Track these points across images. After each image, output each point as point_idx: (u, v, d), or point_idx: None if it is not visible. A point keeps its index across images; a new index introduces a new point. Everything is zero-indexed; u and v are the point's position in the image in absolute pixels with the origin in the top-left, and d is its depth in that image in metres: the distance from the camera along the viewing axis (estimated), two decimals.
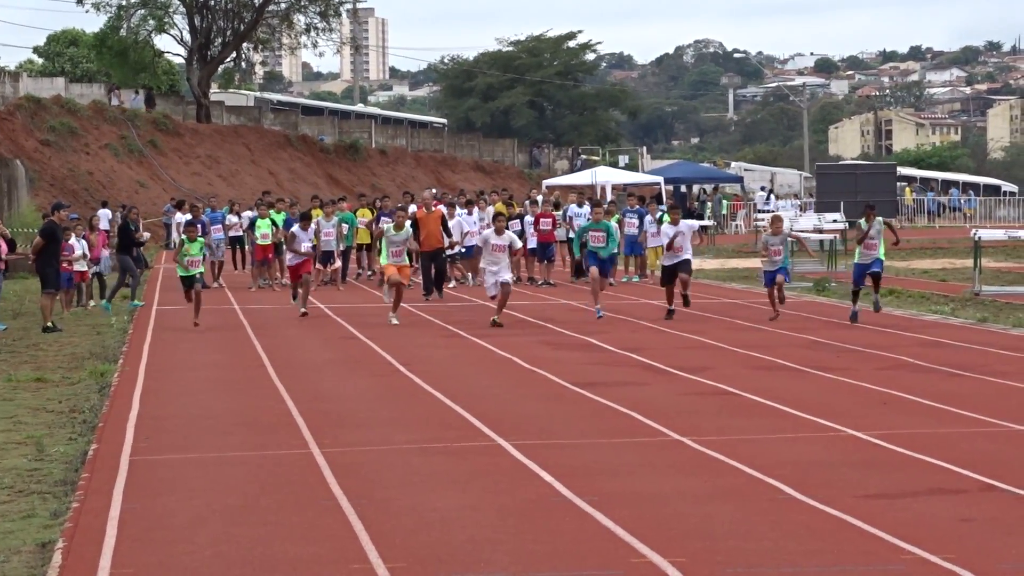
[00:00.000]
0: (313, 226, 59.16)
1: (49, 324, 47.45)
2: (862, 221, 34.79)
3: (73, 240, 53.70)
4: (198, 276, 38.76)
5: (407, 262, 40.98)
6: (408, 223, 40.97)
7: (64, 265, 51.61)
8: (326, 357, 37.99)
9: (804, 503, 20.66)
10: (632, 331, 45.26)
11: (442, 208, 67.36)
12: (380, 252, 39.99)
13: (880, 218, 35.63)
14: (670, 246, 42.87)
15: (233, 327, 50.36)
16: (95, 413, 29.97)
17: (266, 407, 31.51)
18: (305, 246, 51.46)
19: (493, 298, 41.22)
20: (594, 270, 42.84)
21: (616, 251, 45.06)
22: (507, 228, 42.80)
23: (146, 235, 68.52)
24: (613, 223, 45.47)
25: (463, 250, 69.20)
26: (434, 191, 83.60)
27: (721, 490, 22.23)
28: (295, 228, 54.44)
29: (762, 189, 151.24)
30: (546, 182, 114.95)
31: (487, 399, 32.77)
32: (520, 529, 19.64)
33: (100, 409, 30.46)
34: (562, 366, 36.31)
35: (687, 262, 45.96)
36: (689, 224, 47.08)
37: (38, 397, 32.56)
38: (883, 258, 35.58)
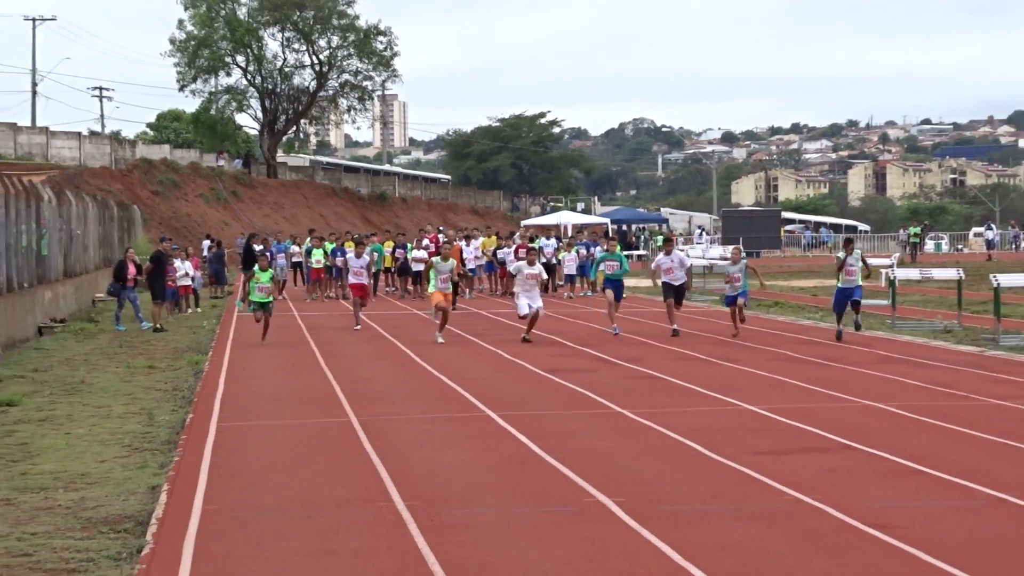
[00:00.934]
0: (348, 254, 52.97)
1: (158, 326, 47.75)
2: (841, 253, 32.95)
3: (177, 263, 54.53)
4: (269, 304, 36.00)
5: (451, 289, 36.98)
6: (550, 254, 37.19)
7: (169, 282, 51.98)
8: (362, 350, 37.85)
9: (712, 458, 21.06)
10: (587, 332, 44.82)
11: (460, 243, 69.51)
12: (429, 281, 36.02)
13: (858, 251, 33.61)
14: (668, 271, 39.79)
15: (292, 328, 50.30)
16: (191, 391, 30.31)
17: (316, 387, 31.59)
18: (356, 266, 47.18)
19: (523, 318, 37.46)
20: (609, 293, 39.83)
21: (622, 276, 40.62)
22: (537, 260, 39.34)
23: (186, 271, 67.57)
24: (623, 254, 41.53)
25: (471, 270, 70.18)
26: (441, 229, 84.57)
27: (651, 448, 22.75)
28: (349, 256, 50.60)
29: (699, 228, 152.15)
30: (524, 222, 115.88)
31: (479, 381, 32.76)
32: (503, 476, 20.24)
33: (195, 388, 30.84)
34: (535, 358, 36.01)
35: (683, 286, 42.97)
36: (680, 255, 43.06)
37: (149, 380, 32.76)
38: (861, 285, 35.11)
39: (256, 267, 31.00)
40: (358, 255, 46.23)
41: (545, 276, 42.61)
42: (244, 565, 14.49)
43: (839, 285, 34.06)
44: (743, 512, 17.11)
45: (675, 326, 39.46)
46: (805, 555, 14.92)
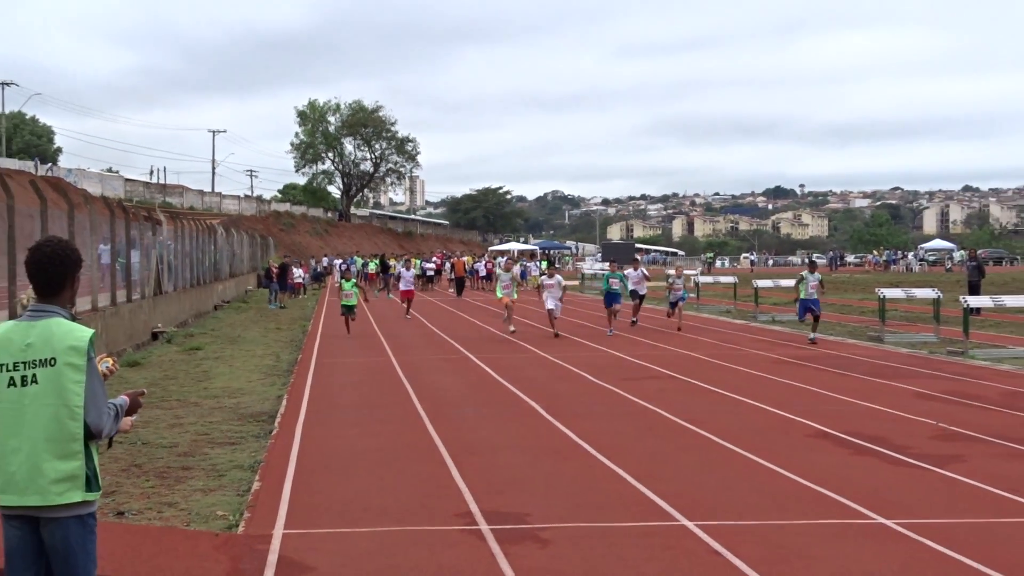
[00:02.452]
0: (400, 268, 53.10)
1: (283, 306, 48.93)
2: (805, 272, 28.61)
3: (295, 269, 56.98)
4: (353, 307, 31.54)
5: (515, 295, 31.31)
6: (516, 265, 31.09)
7: (290, 280, 54.13)
8: (402, 327, 36.63)
9: (596, 382, 20.98)
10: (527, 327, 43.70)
11: (465, 259, 71.16)
12: (496, 288, 31.61)
13: (818, 272, 29.02)
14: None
15: (360, 311, 49.93)
16: (300, 342, 30.66)
17: (373, 342, 31.01)
18: (407, 277, 42.21)
19: (549, 311, 31.30)
20: (616, 307, 32.64)
21: (620, 293, 33.68)
22: (555, 273, 32.86)
23: (300, 274, 66.97)
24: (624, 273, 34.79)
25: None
26: (445, 252, 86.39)
27: (560, 376, 22.38)
28: (400, 270, 48.35)
29: (590, 254, 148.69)
30: (490, 248, 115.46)
31: (462, 336, 32.13)
32: (476, 392, 20.38)
33: (302, 341, 31.18)
34: (488, 320, 35.49)
35: (639, 293, 35.96)
36: (641, 271, 36.28)
37: (277, 335, 32.95)
38: (819, 299, 29.19)
39: (342, 279, 28.02)
40: (408, 268, 43.69)
41: (564, 283, 33.72)
42: (329, 439, 15.11)
43: (801, 297, 28.94)
44: (613, 412, 17.34)
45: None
46: (644, 438, 15.12)
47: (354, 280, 32.49)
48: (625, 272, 32.17)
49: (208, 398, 18.98)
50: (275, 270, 53.97)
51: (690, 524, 10.17)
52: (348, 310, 28.34)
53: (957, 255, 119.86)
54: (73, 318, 5.68)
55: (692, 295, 49.90)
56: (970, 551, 9.16)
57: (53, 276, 5.63)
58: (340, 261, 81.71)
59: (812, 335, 28.99)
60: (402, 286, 42.09)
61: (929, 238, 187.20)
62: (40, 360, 5.44)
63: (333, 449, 14.25)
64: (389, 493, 11.54)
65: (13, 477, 5.44)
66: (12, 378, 5.46)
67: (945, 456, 13.38)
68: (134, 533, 9.56)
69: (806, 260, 28.44)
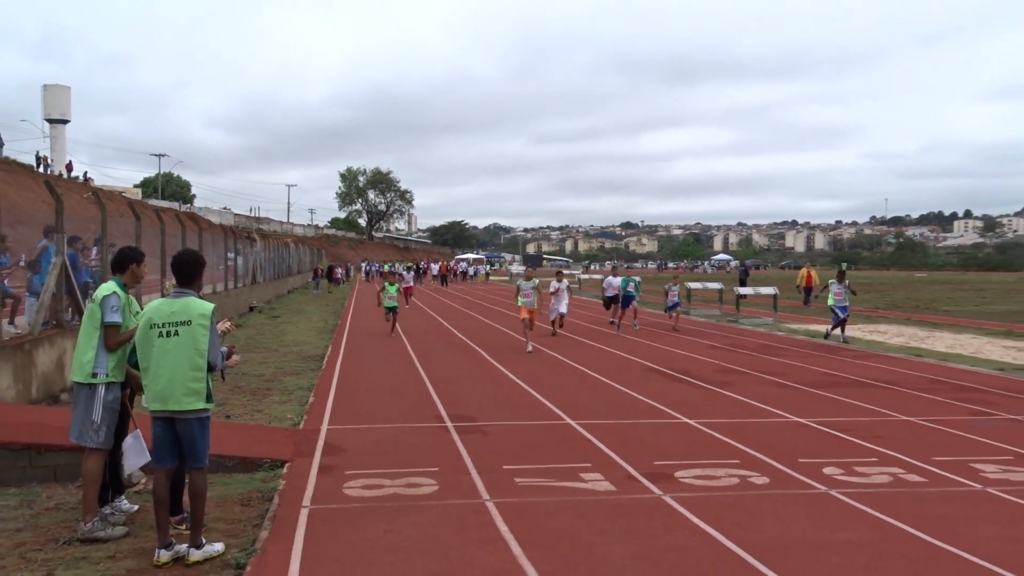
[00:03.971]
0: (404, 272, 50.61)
1: (329, 291, 48.55)
2: (833, 281, 20.67)
3: (338, 269, 57.71)
4: (395, 308, 23.69)
5: (535, 305, 20.39)
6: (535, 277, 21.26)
7: (335, 276, 54.30)
8: (404, 311, 36.44)
9: (597, 378, 20.55)
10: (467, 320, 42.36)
11: (448, 263, 68.41)
12: (516, 297, 20.96)
13: (847, 280, 20.77)
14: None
15: (371, 292, 49.51)
16: (339, 314, 30.40)
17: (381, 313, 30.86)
18: (406, 277, 35.92)
19: (552, 322, 22.43)
20: (616, 307, 24.38)
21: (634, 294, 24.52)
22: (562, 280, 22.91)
23: (340, 272, 66.04)
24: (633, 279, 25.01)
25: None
26: (431, 259, 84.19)
27: (503, 336, 22.16)
28: (403, 272, 42.84)
29: (515, 261, 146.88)
30: (457, 256, 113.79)
31: (447, 315, 30.70)
32: (450, 347, 19.36)
33: (340, 312, 30.95)
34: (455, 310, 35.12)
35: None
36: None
37: (326, 309, 32.77)
38: (847, 305, 20.45)
39: (387, 282, 23.32)
40: (408, 271, 38.55)
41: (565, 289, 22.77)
42: (357, 372, 14.96)
43: (829, 304, 20.56)
44: (532, 358, 17.23)
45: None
46: (548, 372, 14.98)
47: (397, 285, 24.11)
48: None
49: (282, 346, 18.77)
50: (320, 270, 54.30)
51: (573, 422, 10.17)
52: (391, 311, 22.75)
53: (732, 263, 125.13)
54: (201, 297, 5.93)
55: (575, 285, 49.45)
56: (738, 437, 9.29)
57: (187, 271, 5.92)
58: (365, 264, 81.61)
59: (842, 336, 20.32)
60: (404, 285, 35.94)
61: (717, 253, 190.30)
62: (181, 321, 5.69)
63: (359, 378, 14.02)
64: (393, 405, 11.41)
65: (160, 392, 5.63)
66: (162, 331, 5.68)
67: (724, 382, 13.54)
68: (236, 428, 9.57)
69: (837, 269, 22.34)
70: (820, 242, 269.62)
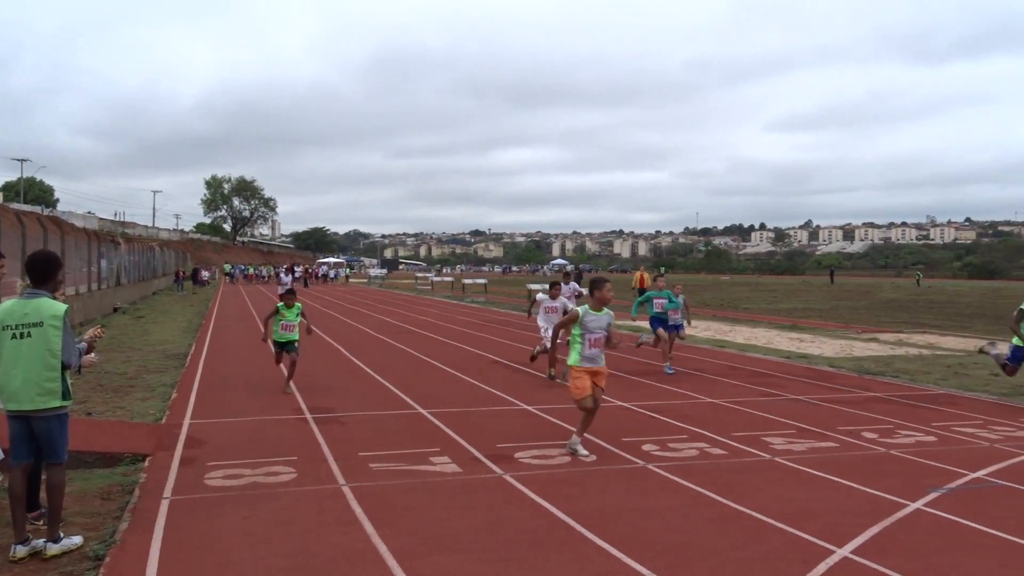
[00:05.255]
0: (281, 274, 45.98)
1: (193, 292, 46.15)
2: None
3: (204, 272, 54.26)
4: (294, 342, 11.83)
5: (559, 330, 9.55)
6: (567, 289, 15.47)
7: (200, 278, 51.52)
8: (271, 308, 35.06)
9: (378, 337, 20.35)
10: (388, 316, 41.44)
11: (309, 267, 65.03)
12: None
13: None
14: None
15: (236, 295, 47.50)
16: (203, 313, 29.10)
17: (248, 316, 29.68)
18: (286, 281, 31.47)
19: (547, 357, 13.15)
20: (662, 331, 14.40)
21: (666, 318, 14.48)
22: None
23: (205, 274, 62.77)
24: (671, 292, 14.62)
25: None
26: (295, 263, 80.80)
27: (355, 333, 21.55)
28: (282, 275, 36.09)
29: (374, 265, 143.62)
30: (318, 261, 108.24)
31: (331, 329, 30.75)
32: (329, 363, 18.64)
33: (204, 312, 29.60)
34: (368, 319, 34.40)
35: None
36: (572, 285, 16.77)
37: (190, 309, 31.36)
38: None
39: (281, 304, 12.14)
40: (287, 274, 32.48)
41: (571, 306, 13.15)
42: (219, 368, 14.39)
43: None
44: (382, 351, 16.95)
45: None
46: (399, 364, 14.74)
47: (298, 309, 12.06)
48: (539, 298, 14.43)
49: (147, 345, 17.86)
50: (183, 272, 52.25)
51: (424, 411, 10.11)
52: (284, 348, 11.89)
53: (569, 267, 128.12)
54: (54, 298, 5.52)
55: (428, 287, 49.05)
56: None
57: (41, 272, 5.51)
58: (229, 266, 78.28)
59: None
60: (279, 290, 31.79)
61: (555, 258, 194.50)
62: (33, 323, 5.31)
63: (222, 374, 13.55)
64: (253, 398, 11.02)
65: (15, 393, 5.27)
66: (15, 333, 5.31)
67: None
68: (97, 425, 8.99)
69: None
70: (643, 249, 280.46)
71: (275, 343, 12.00)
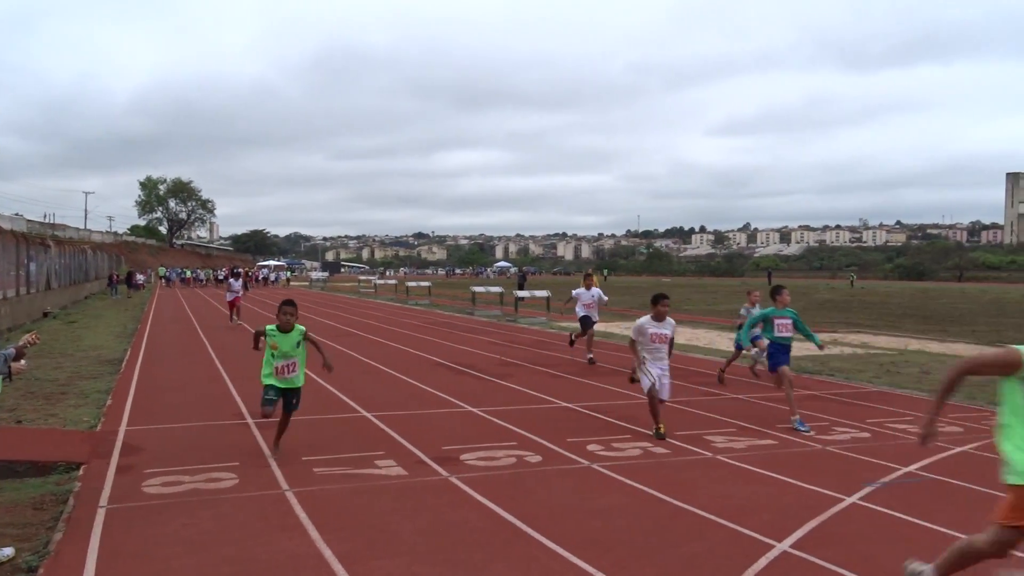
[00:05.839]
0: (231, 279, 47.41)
1: (129, 296, 44.63)
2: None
3: (139, 276, 53.93)
4: (298, 392, 7.87)
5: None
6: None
7: (135, 281, 49.86)
8: (210, 311, 34.41)
9: (390, 373, 20.15)
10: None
11: (249, 270, 63.96)
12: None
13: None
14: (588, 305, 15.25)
15: (174, 297, 46.59)
16: (139, 319, 28.37)
17: (184, 318, 29.07)
18: (234, 286, 24.66)
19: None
20: (785, 369, 9.49)
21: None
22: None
23: (141, 278, 61.01)
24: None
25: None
26: (234, 266, 79.26)
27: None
28: (230, 280, 25.28)
29: (315, 268, 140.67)
30: (258, 263, 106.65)
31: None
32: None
33: (140, 317, 28.84)
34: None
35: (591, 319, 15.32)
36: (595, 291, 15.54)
37: (124, 314, 30.53)
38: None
39: (270, 328, 7.75)
40: (236, 278, 25.78)
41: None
42: (155, 373, 14.13)
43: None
44: None
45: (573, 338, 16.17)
46: (343, 368, 14.36)
47: (303, 334, 7.84)
48: (575, 293, 15.58)
49: (79, 351, 17.33)
50: (116, 276, 50.81)
51: (368, 414, 10.04)
52: (281, 398, 7.71)
53: (512, 270, 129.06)
54: None
55: (371, 289, 48.47)
56: (516, 422, 9.49)
57: None
58: (165, 270, 76.40)
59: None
60: (228, 296, 25.58)
61: (498, 260, 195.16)
62: None
63: (159, 379, 13.24)
64: (194, 404, 10.81)
65: None
66: None
67: (504, 374, 13.80)
68: (28, 433, 8.70)
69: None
70: (586, 251, 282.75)
71: (268, 388, 7.77)
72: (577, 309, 15.81)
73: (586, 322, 15.57)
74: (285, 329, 7.72)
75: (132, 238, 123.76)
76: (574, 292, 16.14)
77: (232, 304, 25.17)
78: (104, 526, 5.75)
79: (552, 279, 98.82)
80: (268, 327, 7.90)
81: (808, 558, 5.13)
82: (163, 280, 72.40)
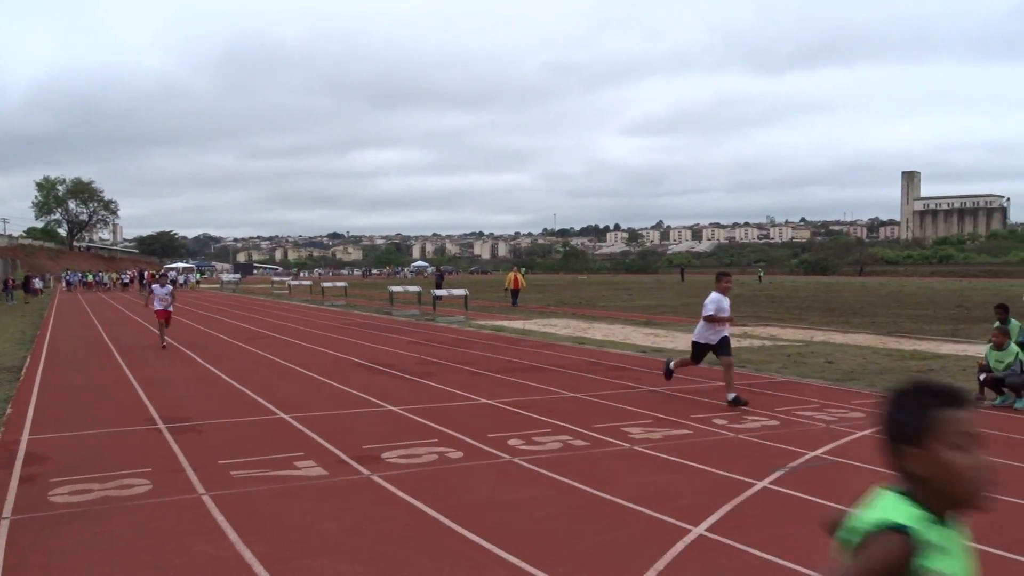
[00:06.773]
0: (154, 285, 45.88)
1: (27, 302, 42.23)
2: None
3: (36, 280, 50.21)
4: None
5: None
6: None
7: (32, 287, 46.88)
8: (127, 329, 33.65)
9: (236, 344, 19.78)
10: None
11: (156, 273, 60.22)
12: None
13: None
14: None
15: (75, 299, 44.72)
16: (38, 324, 27.17)
17: (85, 322, 27.86)
18: (160, 293, 18.89)
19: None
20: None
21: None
22: None
23: (39, 282, 58.16)
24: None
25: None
26: (143, 269, 76.30)
27: (210, 338, 20.74)
28: (155, 286, 27.71)
29: (226, 270, 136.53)
30: (165, 266, 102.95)
31: (184, 335, 29.48)
32: (185, 372, 17.37)
33: (39, 323, 27.62)
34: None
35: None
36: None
37: (24, 320, 29.24)
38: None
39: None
40: (161, 285, 19.88)
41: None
42: (58, 380, 13.62)
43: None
44: (241, 357, 16.47)
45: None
46: (259, 371, 14.26)
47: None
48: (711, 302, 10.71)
49: None
50: (12, 281, 48.03)
51: (286, 416, 9.91)
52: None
53: (429, 269, 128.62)
54: None
55: (285, 291, 47.63)
56: (437, 420, 9.48)
57: None
58: (66, 274, 73.01)
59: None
60: (156, 304, 19.53)
61: (415, 260, 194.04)
62: None
63: (63, 386, 12.75)
64: (101, 410, 10.44)
65: None
66: None
67: (425, 372, 13.75)
68: None
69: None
70: (503, 250, 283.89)
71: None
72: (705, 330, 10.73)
73: (723, 344, 10.53)
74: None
75: (29, 241, 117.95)
76: (710, 298, 10.72)
77: (164, 317, 19.31)
78: (8, 538, 5.52)
79: (469, 278, 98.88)
80: None
81: (724, 541, 5.29)
82: (65, 284, 69.26)
